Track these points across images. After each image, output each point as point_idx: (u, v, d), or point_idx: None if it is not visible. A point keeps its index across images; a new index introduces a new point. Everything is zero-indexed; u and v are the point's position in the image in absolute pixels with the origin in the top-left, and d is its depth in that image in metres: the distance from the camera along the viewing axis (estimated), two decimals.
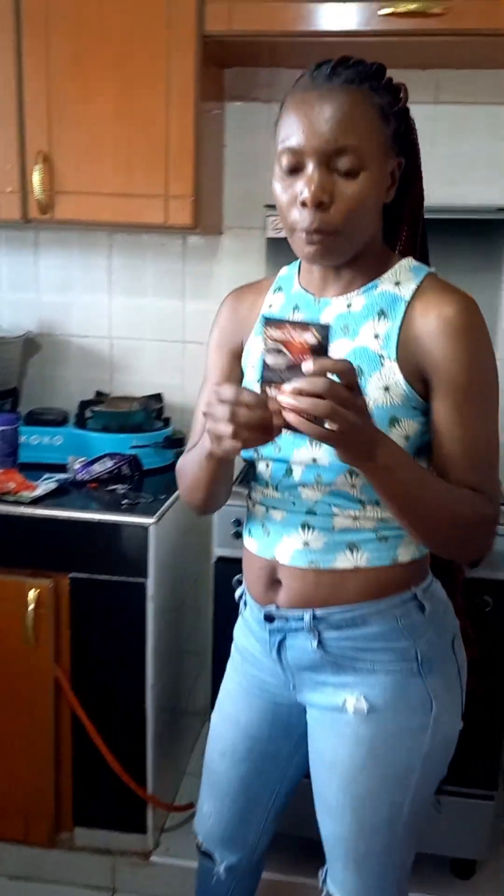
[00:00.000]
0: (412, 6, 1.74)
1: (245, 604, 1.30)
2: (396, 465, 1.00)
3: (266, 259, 2.24)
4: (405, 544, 1.14)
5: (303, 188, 1.03)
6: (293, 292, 1.20)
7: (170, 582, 1.99)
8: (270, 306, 1.22)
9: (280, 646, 1.20)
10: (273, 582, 1.19)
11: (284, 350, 0.93)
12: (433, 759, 1.17)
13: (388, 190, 1.09)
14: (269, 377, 0.94)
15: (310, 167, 1.02)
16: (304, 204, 1.03)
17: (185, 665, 2.26)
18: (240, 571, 1.89)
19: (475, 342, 1.07)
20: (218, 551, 1.89)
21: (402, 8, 1.74)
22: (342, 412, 0.89)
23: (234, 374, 1.26)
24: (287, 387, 0.90)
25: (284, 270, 1.26)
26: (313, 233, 1.04)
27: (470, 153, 2.11)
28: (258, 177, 2.23)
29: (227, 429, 0.93)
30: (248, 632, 1.29)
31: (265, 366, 0.94)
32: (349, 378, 0.91)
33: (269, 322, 0.93)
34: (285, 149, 1.04)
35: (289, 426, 0.92)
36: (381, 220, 1.12)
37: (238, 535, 1.77)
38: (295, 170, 1.04)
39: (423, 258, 1.20)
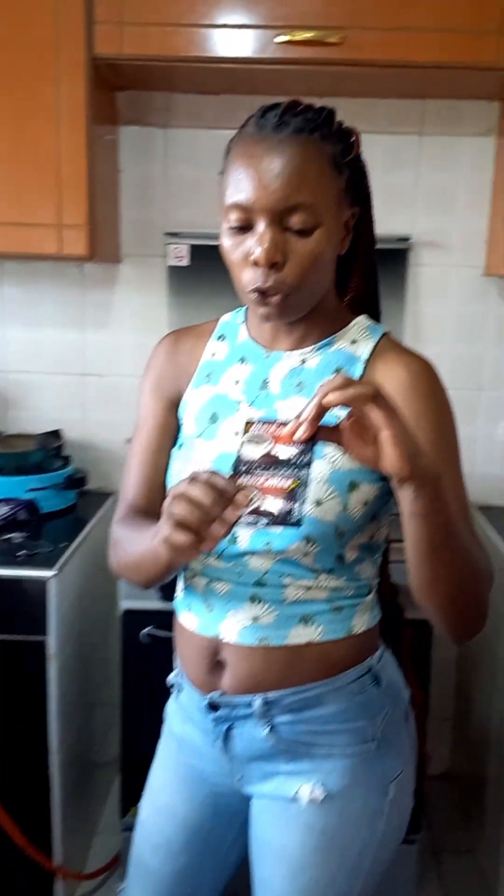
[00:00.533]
0: (309, 35, 1.71)
1: (180, 689, 1.17)
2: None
3: (168, 288, 2.17)
4: (360, 613, 1.08)
5: (254, 247, 0.96)
6: (240, 342, 1.13)
7: (74, 636, 1.87)
8: (213, 354, 1.14)
9: (226, 736, 1.09)
10: (216, 664, 1.08)
11: (266, 438, 0.88)
12: (387, 845, 1.10)
13: (342, 241, 1.03)
14: (243, 471, 0.88)
15: (261, 226, 0.95)
16: (256, 263, 0.96)
17: (94, 717, 2.14)
18: (149, 623, 1.85)
19: (438, 403, 1.03)
20: (125, 604, 1.80)
21: (299, 36, 1.71)
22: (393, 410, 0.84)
23: (170, 424, 1.16)
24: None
25: (227, 317, 1.18)
26: (267, 293, 0.98)
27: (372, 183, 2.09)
28: (156, 203, 2.16)
29: (186, 538, 0.84)
30: (185, 719, 1.16)
31: (239, 461, 0.88)
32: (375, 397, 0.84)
33: (254, 420, 0.91)
34: (233, 205, 0.97)
35: (257, 512, 0.86)
36: (335, 271, 1.07)
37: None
38: (244, 226, 0.97)
39: (375, 307, 1.15)
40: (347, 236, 1.04)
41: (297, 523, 0.86)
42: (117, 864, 2.00)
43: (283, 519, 0.86)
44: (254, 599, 1.04)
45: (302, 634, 1.04)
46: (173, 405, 1.16)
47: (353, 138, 1.03)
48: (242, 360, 1.11)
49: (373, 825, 1.07)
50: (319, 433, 0.87)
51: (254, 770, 1.11)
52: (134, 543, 1.06)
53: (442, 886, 2.02)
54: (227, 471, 0.94)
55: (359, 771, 1.06)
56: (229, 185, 0.97)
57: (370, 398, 0.82)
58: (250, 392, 1.08)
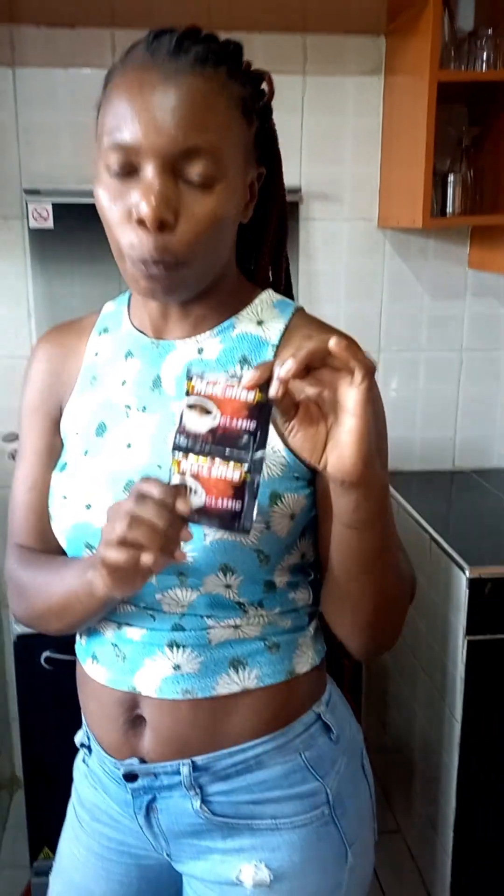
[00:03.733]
0: None
1: (89, 750, 0.97)
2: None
3: (30, 254, 1.90)
4: (301, 650, 0.90)
5: (139, 201, 0.74)
6: (123, 333, 0.91)
7: None
8: (97, 354, 0.93)
9: (148, 809, 0.91)
10: (133, 723, 0.89)
11: (213, 408, 0.68)
12: None
13: (245, 207, 0.84)
14: (186, 444, 0.69)
15: (149, 172, 0.74)
16: (140, 222, 0.74)
17: None
18: (44, 647, 1.63)
19: None
20: (17, 629, 1.61)
21: None
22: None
23: (55, 447, 0.94)
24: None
25: (110, 306, 0.96)
26: (153, 263, 0.76)
27: None
28: (9, 155, 1.87)
29: (148, 559, 0.69)
30: (96, 786, 0.97)
31: (180, 433, 0.69)
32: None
33: (196, 373, 0.69)
34: (115, 144, 0.74)
35: (203, 511, 0.69)
36: (235, 243, 0.86)
37: None
38: (127, 173, 0.75)
39: (285, 287, 0.96)
40: (252, 201, 0.85)
41: (245, 530, 0.69)
42: None
43: (228, 524, 0.69)
44: (172, 645, 0.85)
45: (233, 682, 0.86)
46: (56, 422, 0.95)
47: (266, 82, 0.84)
48: (128, 354, 0.90)
49: None
50: (280, 401, 0.67)
51: (184, 847, 0.92)
52: (51, 586, 0.88)
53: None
54: (121, 492, 0.82)
55: (311, 843, 0.90)
56: (108, 122, 0.75)
57: (370, 371, 0.65)
58: (140, 394, 0.88)
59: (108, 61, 1.80)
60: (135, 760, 0.89)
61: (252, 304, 0.89)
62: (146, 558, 0.69)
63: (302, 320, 0.89)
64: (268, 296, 0.90)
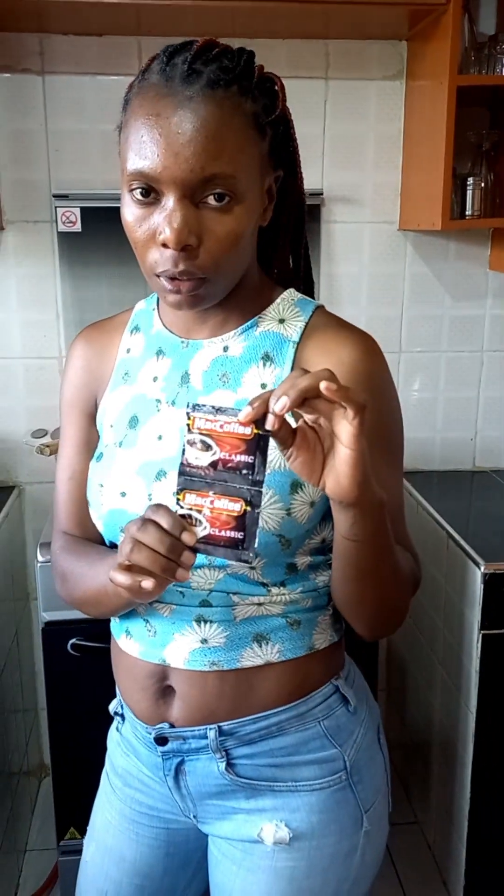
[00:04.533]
0: None
1: (122, 719, 1.04)
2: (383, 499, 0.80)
3: (58, 257, 1.96)
4: (321, 627, 0.96)
5: (162, 226, 0.80)
6: (153, 333, 0.97)
7: None
8: (129, 350, 0.99)
9: (177, 772, 0.98)
10: (164, 693, 0.96)
11: (212, 444, 0.73)
12: (361, 883, 1.00)
13: (264, 211, 0.88)
14: (190, 484, 0.75)
15: (170, 201, 0.79)
16: (164, 245, 0.80)
17: (12, 724, 1.97)
18: (72, 634, 1.69)
19: (380, 388, 0.91)
20: (46, 615, 1.66)
21: None
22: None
23: (92, 440, 1.01)
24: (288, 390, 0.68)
25: (142, 304, 1.02)
26: (178, 279, 0.82)
27: None
28: (39, 161, 1.93)
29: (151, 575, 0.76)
30: (128, 752, 1.04)
31: (185, 466, 0.74)
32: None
33: (196, 411, 0.73)
34: (136, 172, 0.79)
35: (207, 541, 0.75)
36: (256, 244, 0.91)
37: None
38: (150, 197, 0.81)
39: (306, 285, 1.01)
40: (270, 204, 0.89)
41: (246, 560, 0.74)
42: (53, 885, 1.87)
43: (231, 553, 0.75)
44: (200, 620, 0.92)
45: (256, 656, 0.93)
46: (91, 417, 1.02)
47: (277, 85, 0.87)
48: (159, 353, 0.96)
49: (346, 864, 0.97)
50: (277, 432, 0.72)
51: (210, 808, 0.99)
52: (87, 578, 0.96)
53: (390, 859, 1.99)
54: (152, 480, 0.89)
55: (328, 806, 0.96)
56: (130, 148, 0.80)
57: (361, 409, 0.69)
58: (170, 389, 0.93)
59: (134, 68, 1.85)
60: (165, 725, 0.96)
61: (274, 303, 0.94)
62: (146, 584, 0.75)
63: (321, 318, 0.94)
64: (290, 294, 0.95)
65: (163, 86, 0.79)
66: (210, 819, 1.00)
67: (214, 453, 0.73)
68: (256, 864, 0.96)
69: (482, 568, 1.58)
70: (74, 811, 1.71)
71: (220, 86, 0.78)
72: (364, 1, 1.59)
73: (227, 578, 0.90)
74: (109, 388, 0.99)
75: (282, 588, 0.92)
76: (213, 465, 0.74)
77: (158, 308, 0.99)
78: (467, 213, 1.87)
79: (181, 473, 0.75)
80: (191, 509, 0.75)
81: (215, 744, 0.94)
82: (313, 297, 0.99)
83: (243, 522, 0.74)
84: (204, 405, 0.73)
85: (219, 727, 0.94)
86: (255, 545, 0.74)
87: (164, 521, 0.75)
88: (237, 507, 0.74)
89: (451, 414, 2.19)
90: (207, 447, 0.73)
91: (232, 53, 0.82)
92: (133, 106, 0.81)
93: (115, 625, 1.01)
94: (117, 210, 0.86)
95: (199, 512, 0.75)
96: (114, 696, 1.07)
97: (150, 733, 0.97)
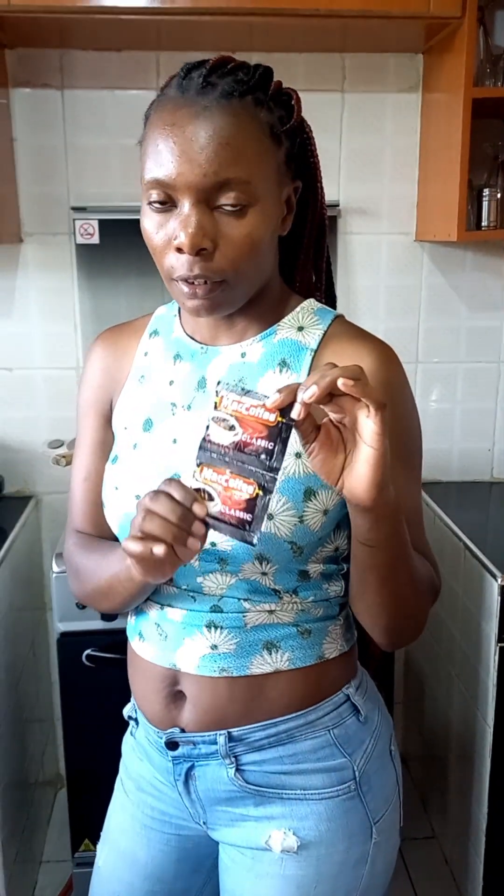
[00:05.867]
0: None
1: (136, 723, 1.05)
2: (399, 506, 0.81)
3: (77, 269, 1.98)
4: (331, 636, 0.97)
5: (178, 231, 0.82)
6: (173, 338, 0.99)
7: (1, 648, 1.71)
8: (146, 354, 1.00)
9: (187, 777, 0.98)
10: (175, 697, 0.97)
11: (236, 425, 0.74)
12: (371, 894, 0.99)
13: (283, 221, 0.90)
14: (209, 459, 0.76)
15: (185, 206, 0.81)
16: (180, 250, 0.82)
17: (29, 734, 1.98)
18: (87, 645, 1.70)
19: (399, 396, 0.91)
20: (61, 626, 1.66)
21: None
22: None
23: (108, 441, 1.03)
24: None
25: (162, 310, 1.04)
26: (195, 283, 0.83)
27: None
28: (59, 175, 1.95)
29: (158, 550, 0.76)
30: (141, 756, 1.05)
31: (206, 442, 0.76)
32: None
33: (226, 390, 0.75)
34: (153, 181, 0.82)
35: (217, 517, 0.75)
36: (277, 254, 0.93)
37: (83, 606, 1.52)
38: (166, 205, 0.83)
39: (328, 296, 1.02)
40: (290, 214, 0.91)
41: (250, 542, 0.75)
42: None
43: (237, 533, 0.76)
44: (211, 626, 0.92)
45: (266, 663, 0.93)
46: (107, 419, 1.03)
47: (294, 100, 0.89)
48: (177, 357, 0.97)
49: (355, 874, 0.97)
50: (301, 423, 0.73)
51: (219, 815, 0.99)
52: (100, 568, 0.97)
53: (407, 874, 1.97)
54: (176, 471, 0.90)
55: (336, 815, 0.96)
56: (148, 158, 0.83)
57: (381, 406, 0.70)
58: (186, 393, 0.95)
59: (153, 84, 1.87)
60: (176, 730, 0.96)
61: (294, 311, 0.95)
62: (157, 549, 0.75)
63: (340, 327, 0.94)
64: (309, 304, 0.96)
65: (179, 98, 0.81)
66: (219, 825, 1.00)
67: (237, 434, 0.75)
68: (265, 871, 0.96)
69: (499, 580, 1.57)
70: (89, 823, 1.71)
71: (234, 96, 0.81)
72: (380, 15, 1.60)
73: (238, 584, 0.90)
74: (125, 390, 1.01)
75: (294, 596, 0.92)
76: (234, 445, 0.75)
77: (180, 315, 1.00)
78: (483, 224, 1.87)
79: (202, 448, 0.76)
80: (206, 483, 0.76)
81: (225, 749, 0.95)
82: (335, 307, 1.00)
83: (254, 505, 0.75)
84: (231, 384, 0.75)
85: (228, 733, 0.94)
86: (261, 529, 0.75)
87: (177, 493, 0.76)
88: (250, 489, 0.75)
89: (468, 425, 2.18)
90: (231, 427, 0.75)
91: (248, 68, 0.84)
92: (152, 119, 0.84)
93: (130, 627, 1.02)
94: (135, 222, 0.87)
95: (214, 486, 0.76)
96: None
97: (162, 737, 0.98)
